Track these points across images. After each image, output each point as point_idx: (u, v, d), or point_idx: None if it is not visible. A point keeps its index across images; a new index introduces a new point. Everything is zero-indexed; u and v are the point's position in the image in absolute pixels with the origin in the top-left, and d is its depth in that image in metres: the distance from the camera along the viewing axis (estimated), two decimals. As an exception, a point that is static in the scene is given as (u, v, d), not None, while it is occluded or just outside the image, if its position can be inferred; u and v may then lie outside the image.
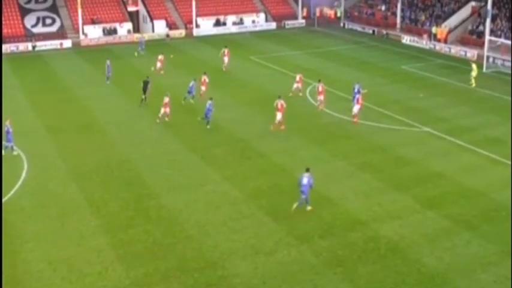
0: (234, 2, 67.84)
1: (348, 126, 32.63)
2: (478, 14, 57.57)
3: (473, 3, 58.86)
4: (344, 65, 48.22)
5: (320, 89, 35.63)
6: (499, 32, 52.12)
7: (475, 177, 25.88)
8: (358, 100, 33.07)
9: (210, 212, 22.56)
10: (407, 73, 45.77)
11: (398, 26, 62.71)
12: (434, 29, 57.37)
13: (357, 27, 65.86)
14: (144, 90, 36.53)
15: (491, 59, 47.56)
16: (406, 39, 58.67)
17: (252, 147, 29.38)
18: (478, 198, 23.80)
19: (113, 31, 59.18)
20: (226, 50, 46.42)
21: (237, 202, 23.38)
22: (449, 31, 56.76)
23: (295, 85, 38.36)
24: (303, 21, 68.89)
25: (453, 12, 59.45)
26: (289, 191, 24.24)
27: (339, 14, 70.12)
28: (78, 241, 20.46)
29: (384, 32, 62.15)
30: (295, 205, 22.50)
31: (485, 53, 47.75)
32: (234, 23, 65.44)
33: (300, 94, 38.22)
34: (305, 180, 22.17)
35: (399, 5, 62.68)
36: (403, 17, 63.10)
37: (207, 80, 37.76)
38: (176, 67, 45.92)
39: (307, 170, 22.48)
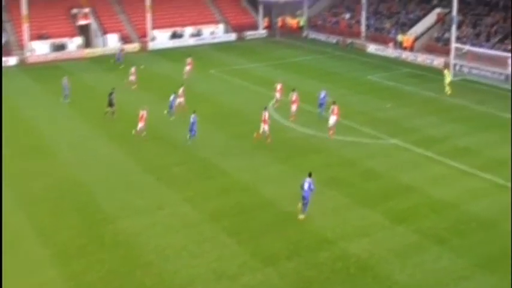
0: (192, 13, 68.11)
1: (314, 141, 32.97)
2: (442, 22, 59.06)
3: (438, 10, 60.44)
4: (308, 77, 48.75)
5: (294, 98, 36.29)
6: (464, 39, 53.58)
7: (444, 189, 26.45)
8: (334, 110, 33.49)
9: (170, 236, 22.43)
10: (373, 83, 46.56)
11: (363, 34, 63.87)
12: (399, 37, 58.63)
13: (321, 36, 66.82)
14: (110, 103, 36.81)
15: (458, 67, 48.83)
16: (372, 48, 59.76)
17: (213, 165, 29.41)
18: (447, 211, 24.31)
19: (62, 47, 58.60)
20: (189, 60, 47.91)
21: (198, 224, 23.32)
22: (415, 39, 58.08)
23: (277, 94, 39.22)
24: (264, 31, 69.57)
25: (418, 19, 60.91)
26: (253, 210, 24.35)
27: (301, 24, 70.97)
28: (26, 274, 20.04)
29: (349, 41, 63.21)
30: (299, 204, 23.71)
31: (452, 61, 49.01)
32: (192, 35, 65.61)
33: (276, 105, 38.89)
34: (306, 186, 23.40)
35: (364, 13, 63.90)
36: (368, 26, 64.31)
37: (183, 93, 38.17)
38: (132, 82, 45.67)
39: (310, 175, 23.70)
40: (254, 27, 70.18)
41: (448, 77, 43.31)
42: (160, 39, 63.53)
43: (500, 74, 46.92)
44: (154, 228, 23.06)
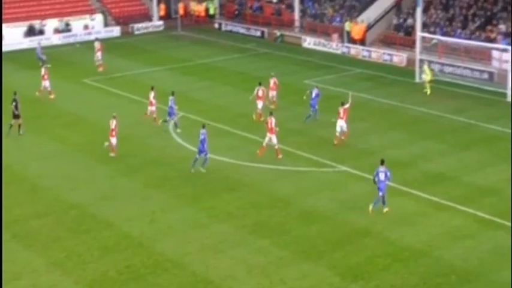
0: (56, -1, 67.82)
1: (233, 172, 33.44)
2: (397, 7, 60.99)
3: (398, -12, 62.60)
4: (224, 84, 49.41)
5: (260, 93, 40.45)
6: (433, 27, 55.71)
7: (412, 230, 27.36)
8: (340, 113, 36.76)
9: (31, 318, 22.20)
10: (313, 90, 47.60)
11: (297, 24, 65.29)
12: (347, 26, 60.31)
13: (239, 28, 67.93)
14: (16, 113, 38.31)
15: (426, 64, 50.54)
16: (309, 41, 61.33)
17: (90, 214, 29.29)
18: (417, 260, 25.11)
19: None
20: (98, 44, 52.85)
21: (73, 299, 23.19)
22: (368, 28, 59.89)
23: (270, 93, 42.53)
24: (161, 23, 70.10)
25: (372, 1, 62.78)
26: (150, 274, 24.39)
27: (211, 11, 71.84)
28: None
29: (278, 33, 64.50)
30: (371, 207, 28.51)
31: (418, 56, 50.84)
32: (57, 30, 65.21)
33: (272, 106, 41.93)
34: (382, 176, 28.31)
35: (296, -6, 65.43)
36: (303, 11, 65.81)
37: (152, 99, 40.48)
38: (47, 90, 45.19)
39: (382, 163, 28.55)
40: (146, 17, 70.50)
41: (428, 75, 46.02)
42: (10, 37, 62.61)
43: (482, 71, 49.12)
44: (8, 308, 22.77)
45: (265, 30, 65.87)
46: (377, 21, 60.76)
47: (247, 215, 29.01)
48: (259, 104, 40.72)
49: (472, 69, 49.65)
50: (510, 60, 45.94)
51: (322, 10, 65.41)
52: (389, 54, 55.73)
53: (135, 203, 30.36)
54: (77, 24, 66.44)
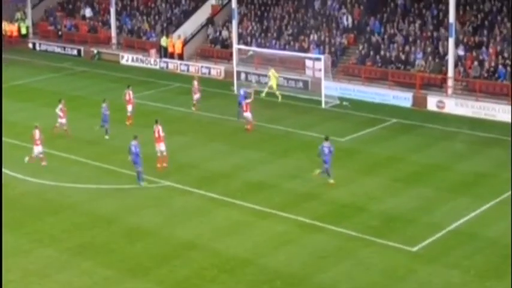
0: None
1: (54, 195, 33.02)
2: (210, 22, 62.09)
3: (212, 1, 63.62)
4: (41, 105, 48.50)
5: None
6: (249, 38, 57.18)
7: (236, 240, 28.09)
8: (244, 107, 41.83)
9: None
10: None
11: (114, 40, 65.15)
12: (164, 41, 60.82)
13: (55, 47, 67.23)
14: None
15: (243, 75, 51.98)
16: (127, 58, 61.51)
17: None
18: (243, 269, 25.79)
19: None
20: None
21: None
22: (185, 42, 60.62)
23: (194, 96, 46.33)
24: (-31, 45, 67.85)
25: (187, 15, 63.60)
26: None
27: (24, 31, 70.42)
28: None
29: (95, 50, 64.19)
30: (318, 171, 32.73)
31: (235, 68, 51.98)
32: None
33: (193, 109, 46.30)
34: (326, 150, 32.31)
35: (112, 10, 65.16)
36: (120, 28, 65.72)
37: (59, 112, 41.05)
38: None
39: (327, 139, 32.86)
40: (-49, 39, 68.11)
41: (273, 78, 48.46)
42: None
43: (297, 80, 51.02)
44: None
45: (82, 48, 65.37)
46: (193, 35, 61.64)
47: (71, 237, 28.72)
48: (129, 107, 43.67)
49: (288, 79, 51.46)
50: (322, 69, 48.10)
51: (139, 26, 65.50)
52: (207, 68, 56.72)
53: None
54: None
